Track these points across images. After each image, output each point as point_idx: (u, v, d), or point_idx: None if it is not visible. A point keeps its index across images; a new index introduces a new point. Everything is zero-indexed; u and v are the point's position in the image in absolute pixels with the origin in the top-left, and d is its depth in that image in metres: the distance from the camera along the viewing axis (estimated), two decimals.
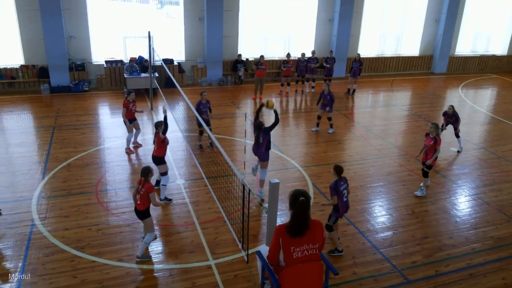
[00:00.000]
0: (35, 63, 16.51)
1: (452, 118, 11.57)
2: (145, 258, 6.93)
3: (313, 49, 18.96)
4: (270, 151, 8.88)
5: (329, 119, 12.95)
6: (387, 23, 21.81)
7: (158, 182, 8.92)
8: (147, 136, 12.15)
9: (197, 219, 8.09)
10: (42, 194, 8.82)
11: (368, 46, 21.80)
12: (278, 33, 20.00)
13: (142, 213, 6.82)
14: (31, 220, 7.89)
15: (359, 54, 18.02)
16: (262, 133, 8.68)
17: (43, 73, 16.46)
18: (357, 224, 8.18)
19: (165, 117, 8.60)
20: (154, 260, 6.94)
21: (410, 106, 16.75)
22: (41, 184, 9.21)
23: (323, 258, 4.63)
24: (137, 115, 11.34)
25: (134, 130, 11.29)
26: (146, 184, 6.66)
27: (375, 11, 21.26)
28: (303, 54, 17.49)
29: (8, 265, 6.69)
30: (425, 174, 9.43)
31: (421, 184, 9.54)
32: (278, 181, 5.09)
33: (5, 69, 16.23)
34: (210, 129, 11.77)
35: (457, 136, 11.85)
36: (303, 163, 10.85)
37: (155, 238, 7.39)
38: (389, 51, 22.49)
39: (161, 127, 8.43)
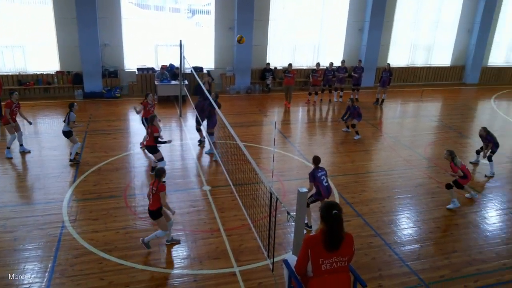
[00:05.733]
0: (70, 69, 17.09)
1: (487, 140, 10.86)
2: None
3: (342, 58, 18.89)
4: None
5: (353, 126, 13.23)
6: (418, 33, 21.53)
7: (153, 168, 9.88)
8: (175, 142, 12.34)
9: (222, 226, 8.14)
10: (73, 197, 9.07)
11: (399, 56, 21.55)
12: (307, 42, 20.02)
13: (154, 213, 7.15)
14: (62, 222, 8.11)
15: (389, 64, 17.82)
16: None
17: (77, 79, 17.01)
18: (384, 235, 8.05)
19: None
20: (179, 265, 7.02)
21: (441, 117, 16.42)
22: (72, 187, 9.48)
23: (351, 270, 4.57)
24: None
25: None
26: (159, 184, 7.02)
27: (406, 21, 21.03)
28: (331, 64, 17.47)
29: (38, 265, 6.89)
30: (448, 187, 9.31)
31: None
32: (307, 190, 5.08)
33: (42, 74, 16.88)
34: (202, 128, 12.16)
35: (490, 160, 10.91)
36: (329, 172, 10.72)
37: (177, 242, 7.57)
38: (419, 61, 22.16)
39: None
